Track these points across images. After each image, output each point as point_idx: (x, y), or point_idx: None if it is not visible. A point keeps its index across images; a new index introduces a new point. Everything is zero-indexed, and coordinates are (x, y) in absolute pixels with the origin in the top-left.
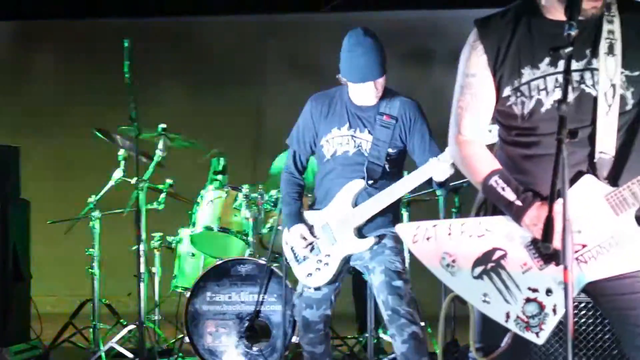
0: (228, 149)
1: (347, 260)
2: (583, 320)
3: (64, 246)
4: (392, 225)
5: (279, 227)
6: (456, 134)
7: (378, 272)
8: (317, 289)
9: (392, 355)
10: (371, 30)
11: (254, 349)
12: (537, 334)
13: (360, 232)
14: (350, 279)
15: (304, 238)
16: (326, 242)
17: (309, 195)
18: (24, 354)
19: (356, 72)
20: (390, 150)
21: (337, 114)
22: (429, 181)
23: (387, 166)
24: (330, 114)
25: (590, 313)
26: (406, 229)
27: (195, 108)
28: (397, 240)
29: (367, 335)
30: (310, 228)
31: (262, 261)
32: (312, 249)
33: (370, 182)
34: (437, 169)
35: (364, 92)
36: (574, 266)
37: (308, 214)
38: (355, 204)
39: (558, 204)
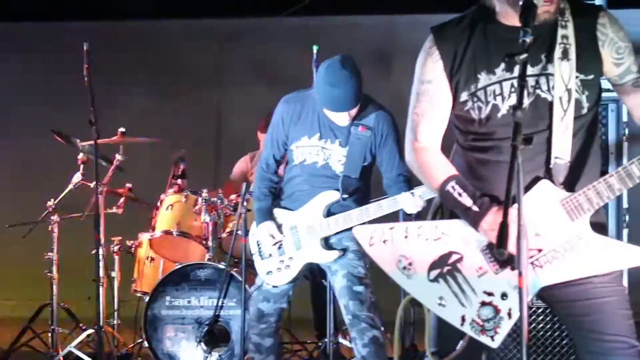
0: (188, 153)
1: (308, 265)
2: (541, 325)
3: (23, 250)
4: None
5: (239, 232)
6: (413, 141)
7: (340, 276)
8: (276, 286)
9: None
10: (350, 60)
11: (213, 353)
12: (492, 337)
13: (326, 243)
14: (309, 284)
15: (272, 236)
16: (291, 244)
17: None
18: None
19: (331, 103)
20: (364, 164)
21: (309, 121)
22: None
23: (358, 180)
24: (302, 120)
25: (548, 318)
26: (363, 232)
27: (155, 111)
28: (360, 250)
29: (326, 340)
30: (279, 227)
31: (222, 266)
32: (278, 248)
33: (345, 196)
34: (411, 202)
35: (337, 117)
36: (530, 270)
37: (278, 212)
38: (326, 214)
39: (513, 210)
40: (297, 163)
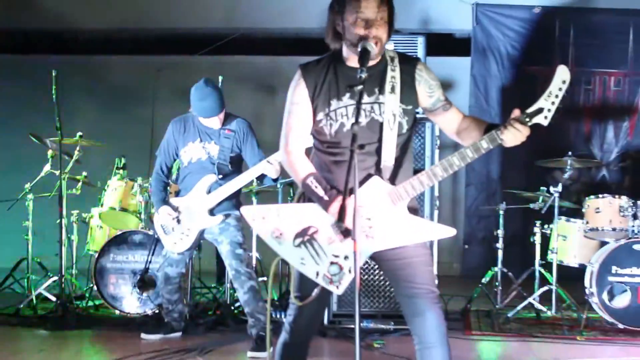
0: (129, 151)
1: (202, 233)
2: (376, 277)
3: (6, 220)
4: (235, 208)
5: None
6: (285, 145)
7: (225, 243)
8: (179, 253)
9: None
10: (211, 81)
11: (144, 295)
12: (337, 286)
13: (211, 212)
14: (214, 248)
15: (169, 214)
16: (187, 219)
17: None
18: None
19: (203, 111)
20: (231, 155)
21: (191, 132)
22: (262, 177)
23: (229, 166)
24: (186, 132)
25: (381, 272)
26: (248, 211)
27: (105, 122)
28: (239, 219)
29: (226, 286)
30: (176, 209)
31: (150, 232)
32: (178, 222)
33: (220, 176)
34: (268, 168)
35: (210, 122)
36: (364, 240)
37: (174, 200)
38: (208, 192)
39: (352, 197)
40: (186, 164)
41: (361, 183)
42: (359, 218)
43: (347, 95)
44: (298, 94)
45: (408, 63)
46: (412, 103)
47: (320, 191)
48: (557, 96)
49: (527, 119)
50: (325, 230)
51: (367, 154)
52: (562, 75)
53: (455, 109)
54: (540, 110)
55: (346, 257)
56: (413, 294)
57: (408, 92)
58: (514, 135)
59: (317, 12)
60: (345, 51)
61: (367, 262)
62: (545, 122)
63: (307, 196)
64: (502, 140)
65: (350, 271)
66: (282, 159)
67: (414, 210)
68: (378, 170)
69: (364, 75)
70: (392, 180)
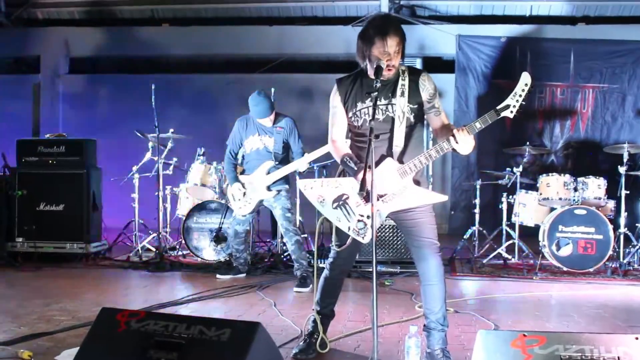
0: (206, 142)
1: (261, 201)
2: (389, 233)
3: (119, 192)
4: (286, 184)
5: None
6: (330, 136)
7: (278, 209)
8: (244, 215)
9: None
10: (263, 91)
11: (218, 246)
12: (363, 237)
13: (268, 188)
14: (270, 212)
15: (239, 189)
16: (251, 191)
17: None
18: (98, 247)
19: (257, 114)
20: (282, 145)
21: (252, 128)
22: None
23: (281, 153)
24: (248, 128)
25: (395, 229)
26: (302, 183)
27: (189, 121)
28: (288, 191)
29: (277, 240)
30: (243, 184)
31: (223, 201)
32: (244, 195)
33: (276, 162)
34: (303, 162)
35: (263, 121)
36: (380, 204)
37: (243, 177)
38: (267, 173)
39: (369, 171)
40: (248, 152)
41: (378, 162)
42: (374, 187)
43: (369, 99)
44: (335, 100)
45: (415, 74)
46: (417, 103)
47: (352, 164)
48: (520, 95)
49: (497, 113)
50: (354, 197)
51: (382, 141)
52: (525, 79)
53: (443, 117)
54: (507, 107)
55: (368, 217)
56: (420, 245)
57: (414, 95)
58: (460, 142)
59: (341, 41)
60: (368, 69)
61: (381, 223)
62: (510, 115)
63: (344, 173)
64: (454, 144)
65: (372, 227)
66: (328, 145)
67: (417, 182)
68: (391, 153)
69: (378, 85)
70: (401, 160)
